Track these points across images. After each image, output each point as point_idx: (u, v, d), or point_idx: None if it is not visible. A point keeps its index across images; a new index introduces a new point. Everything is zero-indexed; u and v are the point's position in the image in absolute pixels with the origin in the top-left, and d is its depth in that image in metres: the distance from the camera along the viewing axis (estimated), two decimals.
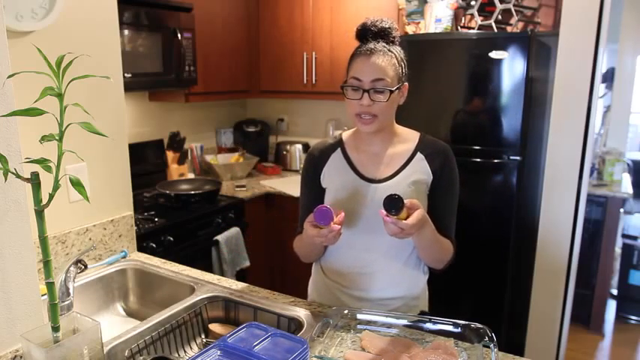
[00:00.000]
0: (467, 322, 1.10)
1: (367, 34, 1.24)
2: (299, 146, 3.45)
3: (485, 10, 2.48)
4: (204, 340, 1.34)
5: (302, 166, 1.43)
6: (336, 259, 1.35)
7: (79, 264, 1.18)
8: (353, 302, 1.33)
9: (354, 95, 1.21)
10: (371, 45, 1.21)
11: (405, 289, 1.32)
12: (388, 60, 1.20)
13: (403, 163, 1.28)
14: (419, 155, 1.29)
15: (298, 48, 3.07)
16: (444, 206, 1.30)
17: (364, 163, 1.30)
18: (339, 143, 1.36)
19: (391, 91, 1.19)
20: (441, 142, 1.33)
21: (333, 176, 1.32)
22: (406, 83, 1.26)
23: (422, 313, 1.38)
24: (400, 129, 1.34)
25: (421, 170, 1.28)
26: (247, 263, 2.68)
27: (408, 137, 1.33)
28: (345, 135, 1.38)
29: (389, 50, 1.21)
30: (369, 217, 1.26)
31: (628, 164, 3.59)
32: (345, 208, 1.28)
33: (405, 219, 1.09)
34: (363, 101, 1.19)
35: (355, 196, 1.27)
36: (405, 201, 1.08)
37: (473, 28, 2.54)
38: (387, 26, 1.25)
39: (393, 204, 1.06)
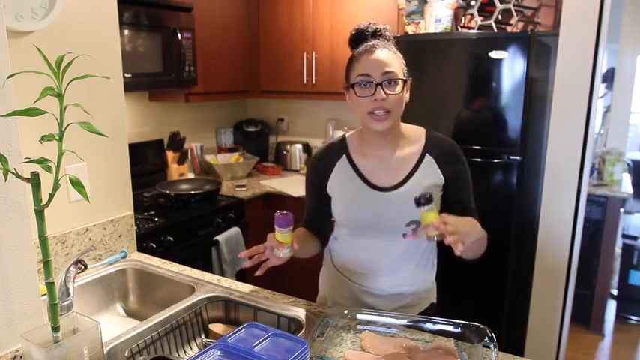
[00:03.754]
0: (467, 322, 1.10)
1: (364, 35, 1.25)
2: (299, 146, 3.45)
3: (485, 10, 2.48)
4: (204, 340, 1.34)
5: (304, 167, 1.43)
6: (349, 261, 1.35)
7: (79, 264, 1.18)
8: (365, 295, 1.33)
9: (366, 92, 1.17)
10: (372, 42, 1.21)
11: (417, 286, 1.33)
12: (392, 53, 1.20)
13: (412, 167, 1.25)
14: (428, 157, 1.26)
15: (298, 48, 3.07)
16: (463, 196, 1.29)
17: (373, 170, 1.27)
18: (344, 148, 1.32)
19: (404, 81, 1.18)
20: (448, 140, 1.31)
21: (341, 186, 1.29)
22: (410, 80, 1.25)
23: (432, 304, 1.39)
24: (406, 128, 1.30)
25: (432, 174, 1.25)
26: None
27: (415, 137, 1.29)
28: (350, 138, 1.34)
29: (390, 46, 1.22)
30: (380, 226, 1.25)
31: (628, 164, 3.59)
32: (356, 217, 1.28)
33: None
34: (376, 95, 1.16)
35: (366, 206, 1.25)
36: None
37: (473, 28, 2.54)
38: (381, 27, 1.26)
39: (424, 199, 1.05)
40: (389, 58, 1.18)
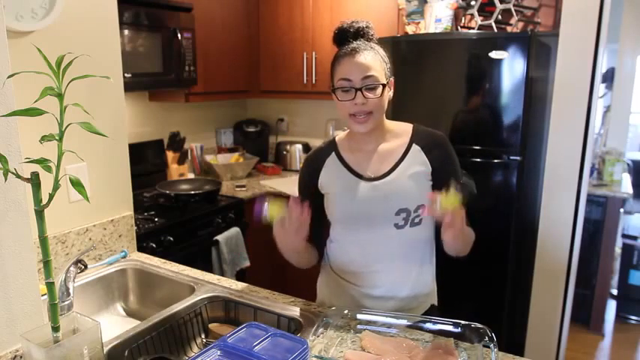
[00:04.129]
0: (467, 322, 1.10)
1: (346, 35, 1.26)
2: (299, 146, 3.45)
3: (485, 10, 2.48)
4: (204, 340, 1.34)
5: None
6: (343, 258, 1.35)
7: (79, 264, 1.18)
8: (364, 298, 1.33)
9: (346, 96, 1.21)
10: (353, 45, 1.22)
11: (414, 284, 1.32)
12: (373, 55, 1.21)
13: (399, 157, 1.28)
14: (415, 147, 1.29)
15: (298, 48, 3.07)
16: (451, 181, 1.26)
17: (360, 163, 1.30)
18: (333, 147, 1.35)
19: (383, 85, 1.20)
20: (436, 132, 1.33)
21: (331, 180, 1.32)
22: (392, 78, 1.27)
23: (432, 307, 1.39)
24: (392, 124, 1.33)
25: (418, 162, 1.27)
26: (247, 263, 2.68)
27: (401, 131, 1.32)
28: (339, 138, 1.38)
29: (371, 47, 1.23)
30: (371, 215, 1.26)
31: (628, 164, 3.59)
32: (346, 208, 1.29)
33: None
34: (356, 100, 1.19)
35: (356, 197, 1.27)
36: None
37: (473, 28, 2.54)
38: (364, 25, 1.27)
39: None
40: (369, 61, 1.20)
